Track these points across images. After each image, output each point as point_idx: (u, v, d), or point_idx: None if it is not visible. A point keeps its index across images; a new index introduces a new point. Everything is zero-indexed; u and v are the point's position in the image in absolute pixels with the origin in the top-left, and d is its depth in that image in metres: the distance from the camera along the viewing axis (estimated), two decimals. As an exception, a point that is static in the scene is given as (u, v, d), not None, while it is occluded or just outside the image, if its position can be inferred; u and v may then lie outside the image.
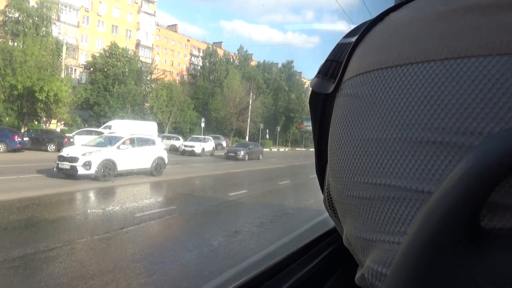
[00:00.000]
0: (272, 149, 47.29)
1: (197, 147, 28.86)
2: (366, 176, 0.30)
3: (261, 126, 48.29)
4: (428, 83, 0.26)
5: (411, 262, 0.23)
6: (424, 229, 0.22)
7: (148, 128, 29.14)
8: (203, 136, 32.59)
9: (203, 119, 42.26)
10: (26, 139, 21.79)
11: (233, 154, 26.61)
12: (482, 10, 0.25)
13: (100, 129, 27.90)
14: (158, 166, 14.92)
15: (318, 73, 0.38)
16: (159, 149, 15.33)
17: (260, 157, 28.74)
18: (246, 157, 26.65)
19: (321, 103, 0.38)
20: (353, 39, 0.35)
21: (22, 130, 26.10)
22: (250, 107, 47.95)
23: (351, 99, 0.32)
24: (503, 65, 0.23)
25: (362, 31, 0.34)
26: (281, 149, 49.69)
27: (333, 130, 0.35)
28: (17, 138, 20.96)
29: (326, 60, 0.38)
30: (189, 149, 28.64)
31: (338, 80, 0.35)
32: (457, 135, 0.24)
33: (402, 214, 0.27)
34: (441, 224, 0.21)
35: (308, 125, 41.56)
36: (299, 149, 51.69)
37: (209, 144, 30.69)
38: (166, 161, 15.46)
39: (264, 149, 46.46)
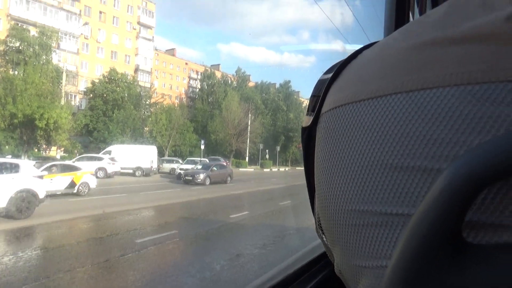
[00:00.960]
0: (273, 169, 47.16)
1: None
2: (349, 204, 0.31)
3: (261, 146, 48.31)
4: (397, 114, 0.28)
5: (398, 284, 0.23)
6: (407, 250, 0.23)
7: (148, 152, 29.17)
8: (199, 158, 31.19)
9: (202, 141, 42.32)
10: (26, 166, 21.72)
11: (191, 178, 22.63)
12: (438, 45, 0.27)
13: (100, 155, 27.95)
14: (24, 204, 10.14)
15: (307, 110, 0.40)
16: (27, 178, 10.63)
17: (229, 181, 24.53)
18: (207, 181, 22.63)
19: (306, 136, 0.39)
20: (330, 75, 0.37)
21: (22, 158, 26.09)
22: (249, 128, 48.10)
23: (329, 132, 0.34)
24: (460, 94, 0.25)
25: (338, 67, 0.37)
26: (281, 169, 49.54)
27: (317, 162, 0.37)
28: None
29: (310, 96, 0.40)
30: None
31: (316, 113, 0.37)
32: (426, 159, 0.26)
33: (387, 238, 0.28)
34: (423, 243, 0.23)
35: (307, 144, 41.49)
36: (299, 168, 51.54)
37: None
38: (42, 196, 10.69)
39: (264, 170, 46.63)
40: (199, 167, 25.06)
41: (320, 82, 0.39)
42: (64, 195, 14.47)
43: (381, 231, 0.28)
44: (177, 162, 33.38)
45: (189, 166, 27.45)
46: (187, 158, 32.85)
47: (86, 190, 15.52)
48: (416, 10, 1.75)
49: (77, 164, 17.80)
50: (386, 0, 1.36)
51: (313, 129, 0.38)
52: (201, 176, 22.58)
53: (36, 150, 30.14)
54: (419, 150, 0.26)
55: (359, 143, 0.30)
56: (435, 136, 0.26)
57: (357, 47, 0.37)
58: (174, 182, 23.55)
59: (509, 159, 0.21)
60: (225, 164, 29.45)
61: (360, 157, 0.30)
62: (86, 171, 16.14)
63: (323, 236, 0.38)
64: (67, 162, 19.00)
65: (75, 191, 15.10)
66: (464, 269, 0.22)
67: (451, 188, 0.22)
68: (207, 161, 30.39)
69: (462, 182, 0.21)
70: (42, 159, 24.49)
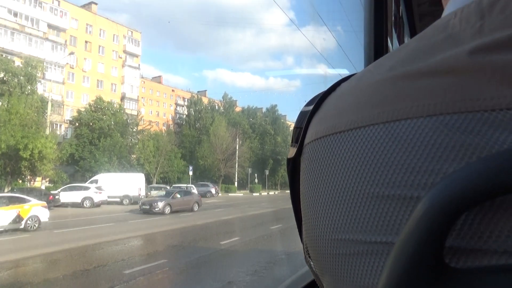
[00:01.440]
0: (262, 193, 46.94)
1: None
2: (335, 233, 0.31)
3: (249, 170, 48.23)
4: (375, 144, 0.29)
5: None
6: (391, 278, 0.24)
7: (135, 180, 28.80)
8: (185, 185, 30.08)
9: (190, 167, 42.07)
10: (9, 199, 21.19)
11: (148, 207, 20.68)
12: (409, 78, 0.29)
13: (86, 184, 27.48)
14: None
15: (291, 141, 0.41)
16: None
17: (196, 208, 22.66)
18: (167, 210, 20.66)
19: (290, 167, 0.40)
20: (311, 107, 0.38)
21: (6, 190, 25.48)
22: (237, 152, 48.11)
23: (312, 162, 0.35)
24: (432, 125, 0.26)
25: (318, 99, 0.38)
26: (271, 192, 49.34)
27: (302, 192, 0.37)
28: None
29: (293, 128, 0.41)
30: None
31: (300, 144, 0.38)
32: (406, 188, 0.26)
33: (373, 267, 0.28)
34: (406, 270, 0.23)
35: (296, 167, 41.70)
36: (288, 191, 51.26)
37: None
38: None
39: (254, 194, 46.38)
40: (162, 193, 23.14)
41: (302, 114, 0.40)
42: (8, 231, 12.96)
43: (367, 260, 0.29)
44: (166, 189, 33.04)
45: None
46: (173, 185, 32.08)
47: (36, 225, 13.95)
48: (395, 36, 1.82)
49: (23, 196, 15.89)
50: (365, 28, 1.41)
51: (297, 159, 0.39)
52: (160, 204, 20.56)
53: (20, 181, 29.49)
54: (398, 179, 0.27)
55: (340, 173, 0.31)
56: (412, 165, 0.26)
57: (340, 71, 0.37)
58: (136, 212, 21.36)
59: (483, 185, 0.21)
60: (193, 190, 27.62)
61: (342, 187, 0.31)
62: (36, 203, 14.58)
63: (311, 264, 0.39)
64: (13, 194, 17.58)
65: (21, 226, 13.56)
66: None
67: (429, 215, 0.23)
68: (193, 186, 29.52)
69: (440, 208, 0.22)
70: (26, 190, 23.99)
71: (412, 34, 1.79)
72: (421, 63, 0.29)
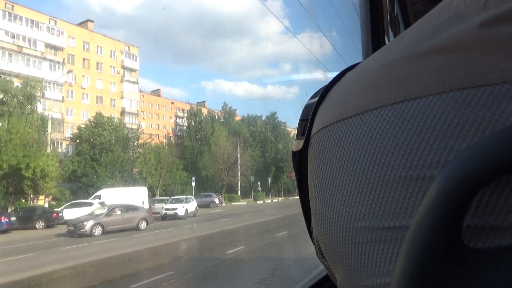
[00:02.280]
0: (266, 201, 46.80)
1: (180, 209, 25.31)
2: (347, 222, 0.31)
3: (252, 179, 48.17)
4: (384, 126, 0.29)
5: None
6: (407, 263, 0.23)
7: (138, 193, 28.76)
8: (185, 196, 29.69)
9: (193, 179, 42.04)
10: (13, 219, 21.25)
11: (72, 228, 16.93)
12: (416, 58, 0.29)
13: (89, 200, 27.46)
14: None
15: (296, 134, 0.41)
16: None
17: (143, 226, 18.67)
18: (98, 231, 16.74)
19: (297, 160, 0.40)
20: (316, 99, 0.38)
21: (9, 210, 25.47)
22: (239, 161, 48.09)
23: (319, 152, 0.35)
24: (443, 102, 0.26)
25: (323, 90, 0.38)
26: (275, 200, 49.22)
27: (311, 184, 0.37)
28: (3, 219, 20.45)
29: (299, 121, 0.41)
30: (171, 212, 25.10)
31: (307, 136, 0.37)
32: (418, 168, 0.26)
33: (388, 254, 0.28)
34: (423, 254, 0.22)
35: (298, 173, 41.56)
36: (292, 197, 51.29)
37: (191, 205, 27.41)
38: None
39: (258, 202, 46.27)
40: (102, 210, 18.72)
41: (307, 107, 0.40)
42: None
43: (381, 246, 0.28)
44: (158, 200, 33.16)
45: (176, 205, 26.16)
46: (172, 197, 31.45)
47: None
48: (391, 34, 1.84)
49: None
50: (362, 28, 1.43)
51: (304, 152, 0.38)
52: (87, 224, 16.43)
53: (23, 200, 29.48)
54: (410, 160, 0.26)
55: (350, 160, 0.31)
56: (424, 144, 0.26)
57: (337, 73, 0.38)
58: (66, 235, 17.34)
59: (498, 159, 0.21)
60: (140, 205, 24.30)
61: (352, 174, 0.30)
62: None
63: (324, 260, 0.38)
64: None
65: None
66: (468, 275, 0.22)
67: (444, 194, 0.22)
68: (192, 198, 28.82)
69: (455, 187, 0.22)
70: (29, 209, 23.96)
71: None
72: (428, 42, 0.28)
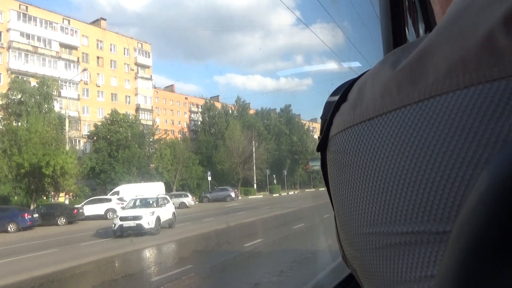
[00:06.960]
0: (282, 194, 46.85)
1: (146, 217, 15.55)
2: (372, 226, 0.30)
3: (268, 172, 48.22)
4: (409, 125, 0.27)
5: None
6: (453, 266, 0.22)
7: (155, 188, 29.10)
8: (155, 197, 19.03)
9: (209, 173, 42.33)
10: (36, 215, 21.80)
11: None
12: (434, 54, 0.28)
13: (108, 196, 27.96)
14: None
15: (320, 132, 0.40)
16: None
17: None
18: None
19: (321, 160, 0.39)
20: (337, 97, 0.37)
21: (32, 207, 26.14)
22: (254, 154, 48.17)
23: (339, 155, 0.33)
24: (473, 93, 0.25)
25: (344, 89, 0.36)
26: (290, 192, 49.21)
27: (332, 186, 0.36)
28: (27, 216, 21.02)
29: (321, 119, 0.40)
30: (131, 223, 15.25)
31: (324, 137, 0.37)
32: (454, 168, 0.24)
33: (425, 258, 0.26)
34: (470, 253, 0.21)
35: (314, 165, 41.33)
36: (308, 190, 51.18)
37: (166, 209, 17.70)
38: None
39: (273, 195, 46.33)
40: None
41: (327, 105, 0.39)
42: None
43: (415, 251, 0.26)
44: (186, 196, 33.34)
45: (138, 213, 15.96)
46: (135, 197, 20.13)
47: None
48: (410, 22, 1.80)
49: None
50: (382, 16, 1.40)
51: (324, 152, 0.38)
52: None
53: (44, 197, 30.21)
54: (445, 159, 0.25)
55: (376, 163, 0.29)
56: (461, 141, 0.24)
57: (352, 64, 0.37)
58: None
59: None
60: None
61: (380, 176, 0.29)
62: None
63: (349, 260, 0.37)
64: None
65: None
66: None
67: (494, 190, 0.20)
68: (167, 197, 20.88)
69: (504, 182, 0.20)
70: (51, 206, 24.53)
71: (425, 19, 1.76)
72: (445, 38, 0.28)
